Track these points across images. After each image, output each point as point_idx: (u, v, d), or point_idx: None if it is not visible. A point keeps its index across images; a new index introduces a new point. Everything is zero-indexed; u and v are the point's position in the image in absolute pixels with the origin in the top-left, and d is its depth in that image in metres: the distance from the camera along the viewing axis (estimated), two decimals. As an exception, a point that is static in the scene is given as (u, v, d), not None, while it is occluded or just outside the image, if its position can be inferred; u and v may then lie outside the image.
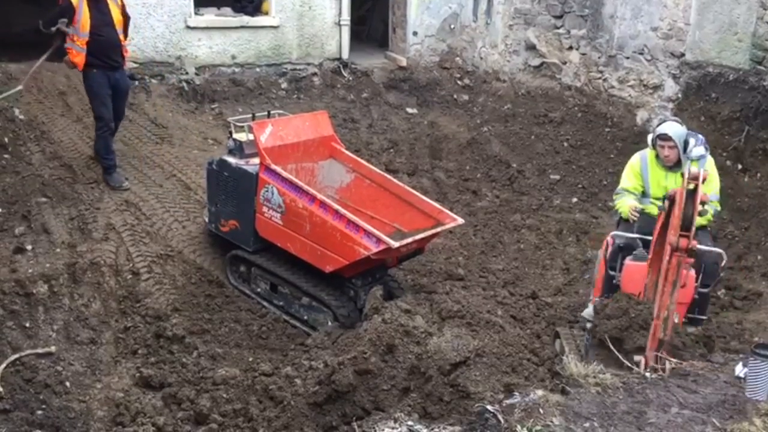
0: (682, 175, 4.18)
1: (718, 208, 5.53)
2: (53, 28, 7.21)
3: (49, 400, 5.08)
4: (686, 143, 5.39)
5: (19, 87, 7.03)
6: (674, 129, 5.34)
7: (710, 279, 5.13)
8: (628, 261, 5.02)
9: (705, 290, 5.15)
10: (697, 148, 5.41)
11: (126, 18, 7.42)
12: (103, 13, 7.05)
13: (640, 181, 5.60)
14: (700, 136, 5.59)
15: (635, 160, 5.66)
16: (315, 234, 5.86)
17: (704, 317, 5.36)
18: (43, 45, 7.56)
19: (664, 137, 5.34)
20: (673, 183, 5.37)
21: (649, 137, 5.62)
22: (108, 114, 7.33)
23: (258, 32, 10.77)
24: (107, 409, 5.15)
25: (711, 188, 5.29)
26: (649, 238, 4.89)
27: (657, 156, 5.50)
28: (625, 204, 5.51)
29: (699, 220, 5.04)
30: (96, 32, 7.01)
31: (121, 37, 7.30)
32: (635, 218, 5.36)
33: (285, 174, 6.02)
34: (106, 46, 7.10)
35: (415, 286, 6.76)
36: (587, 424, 3.52)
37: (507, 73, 11.32)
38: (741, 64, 8.26)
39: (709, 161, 5.46)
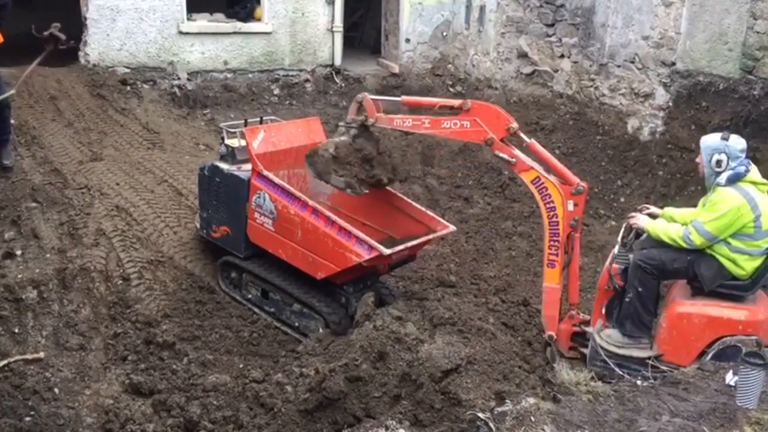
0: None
1: (693, 239, 4.77)
2: (45, 33, 7.16)
3: (38, 407, 5.03)
4: (718, 162, 4.72)
5: (12, 91, 6.98)
6: (704, 139, 4.88)
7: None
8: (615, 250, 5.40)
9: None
10: (723, 175, 4.73)
11: None
12: None
13: None
14: (741, 169, 4.71)
15: None
16: (307, 240, 5.85)
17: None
18: (34, 49, 7.53)
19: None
20: (701, 205, 4.98)
21: None
22: None
23: (250, 38, 10.79)
24: (96, 415, 5.11)
25: (697, 215, 4.87)
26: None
27: None
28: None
29: (662, 236, 4.97)
30: None
31: None
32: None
33: (277, 180, 6.01)
34: None
35: (407, 293, 6.74)
36: (578, 432, 3.52)
37: (499, 81, 11.36)
38: (731, 73, 8.33)
39: (719, 193, 4.73)
